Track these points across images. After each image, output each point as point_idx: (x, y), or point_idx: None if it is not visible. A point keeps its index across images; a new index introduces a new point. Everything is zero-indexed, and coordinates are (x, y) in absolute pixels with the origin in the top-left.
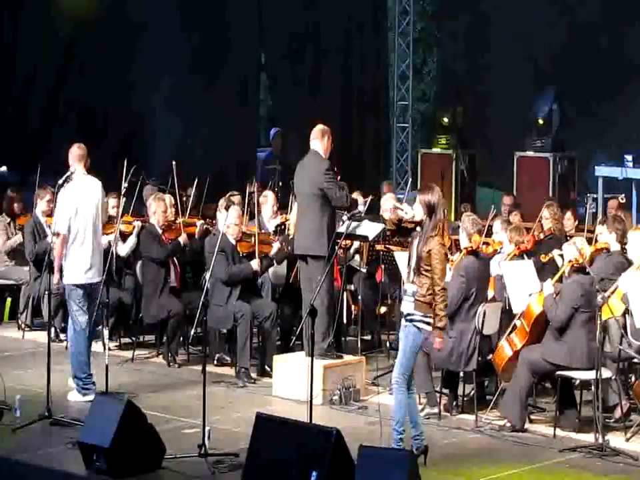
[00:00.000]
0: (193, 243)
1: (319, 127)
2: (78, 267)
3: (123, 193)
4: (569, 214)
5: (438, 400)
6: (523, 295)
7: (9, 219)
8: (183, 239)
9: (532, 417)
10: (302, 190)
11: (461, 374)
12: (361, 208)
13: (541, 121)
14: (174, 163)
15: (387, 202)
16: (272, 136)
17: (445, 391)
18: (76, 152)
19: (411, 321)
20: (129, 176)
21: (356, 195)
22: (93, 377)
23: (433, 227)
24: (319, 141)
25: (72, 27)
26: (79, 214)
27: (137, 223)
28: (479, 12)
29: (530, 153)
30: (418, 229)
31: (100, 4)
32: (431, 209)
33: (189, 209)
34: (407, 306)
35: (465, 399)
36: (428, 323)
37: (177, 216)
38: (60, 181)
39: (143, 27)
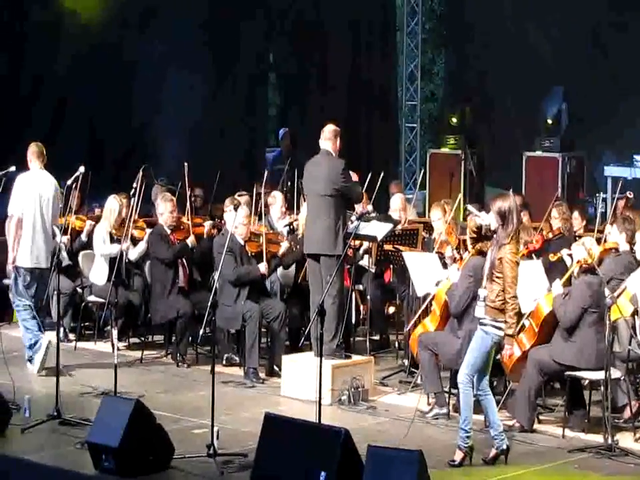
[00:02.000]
0: (201, 244)
1: (330, 127)
2: (27, 251)
3: (132, 194)
4: (577, 214)
5: (447, 400)
6: (531, 295)
7: None
8: (190, 241)
9: (541, 417)
10: (314, 190)
11: None
12: (370, 208)
13: (549, 121)
14: (186, 164)
15: (396, 201)
16: (280, 136)
17: (454, 390)
18: (34, 149)
19: (482, 324)
20: (137, 176)
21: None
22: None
23: (506, 235)
24: (330, 142)
25: (79, 26)
26: (31, 202)
27: (149, 231)
28: (487, 11)
29: (539, 153)
30: (495, 236)
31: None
32: (502, 217)
33: (196, 209)
34: (479, 310)
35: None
36: (497, 327)
37: (184, 216)
38: (69, 182)
39: (150, 26)
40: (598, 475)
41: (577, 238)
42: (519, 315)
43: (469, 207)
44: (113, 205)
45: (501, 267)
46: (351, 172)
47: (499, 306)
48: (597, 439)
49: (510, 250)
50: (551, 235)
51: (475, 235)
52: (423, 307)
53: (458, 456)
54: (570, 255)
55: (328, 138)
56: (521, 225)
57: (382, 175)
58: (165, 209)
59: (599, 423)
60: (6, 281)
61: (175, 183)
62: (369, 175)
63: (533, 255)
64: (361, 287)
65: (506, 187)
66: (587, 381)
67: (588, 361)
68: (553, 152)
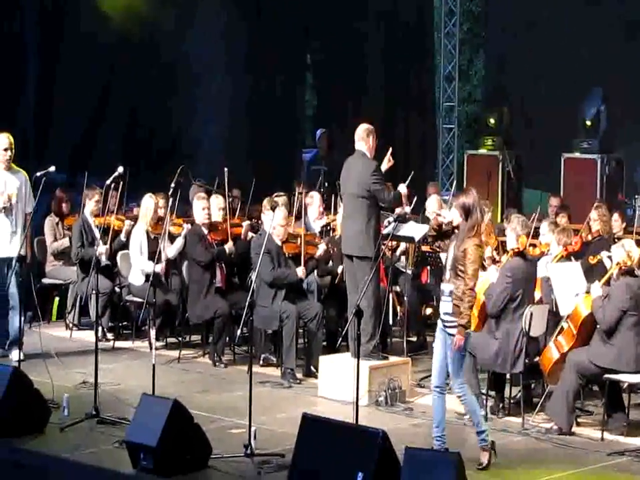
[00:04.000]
0: (238, 244)
1: (363, 126)
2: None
3: (170, 194)
4: (616, 215)
5: (484, 402)
6: (570, 297)
7: (57, 219)
8: (228, 246)
9: (579, 420)
10: (349, 191)
11: (508, 376)
12: (407, 209)
13: (588, 122)
14: (226, 170)
15: (433, 203)
16: (318, 136)
17: (492, 393)
18: None
19: (447, 326)
20: (175, 176)
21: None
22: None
23: (470, 228)
24: (363, 142)
25: (118, 31)
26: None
27: (186, 226)
28: (524, 12)
29: (577, 154)
30: (456, 231)
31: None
32: (466, 211)
33: (235, 210)
34: (444, 306)
35: (512, 401)
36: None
37: (224, 218)
38: (108, 181)
39: (189, 30)
40: (637, 478)
41: (616, 240)
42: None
43: (436, 201)
44: (149, 203)
45: (464, 259)
46: (402, 187)
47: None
48: (636, 442)
49: (473, 243)
50: (590, 237)
51: (434, 233)
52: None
53: (484, 457)
54: (609, 257)
55: (361, 137)
56: (482, 220)
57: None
58: (198, 207)
59: (638, 425)
60: (45, 280)
61: (212, 183)
62: (409, 177)
63: (572, 257)
64: (398, 289)
65: (545, 189)
66: (625, 384)
67: (627, 363)
68: (591, 153)
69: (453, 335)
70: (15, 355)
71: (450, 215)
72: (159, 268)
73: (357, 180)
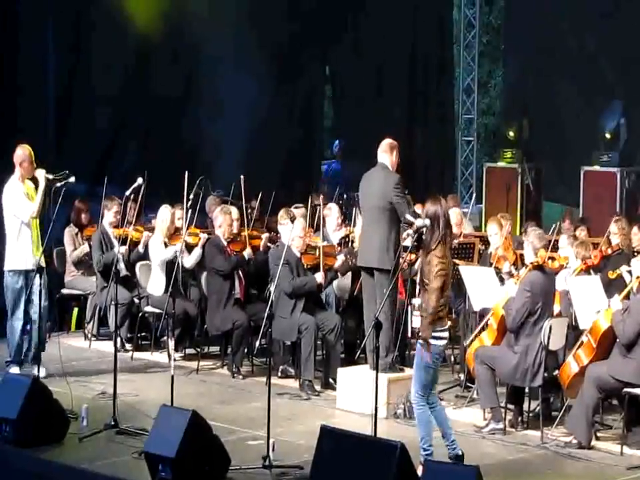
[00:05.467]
0: (257, 256)
1: (388, 141)
2: None
3: (188, 205)
4: (636, 229)
5: (503, 415)
6: (589, 311)
7: (76, 230)
8: (248, 253)
9: (598, 434)
10: (370, 203)
11: (527, 389)
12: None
13: (608, 135)
14: (242, 177)
15: (452, 216)
16: (335, 148)
17: (510, 406)
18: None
19: (419, 337)
20: (193, 188)
21: (417, 209)
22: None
23: (433, 240)
24: (387, 155)
25: (138, 41)
26: None
27: (203, 236)
28: (544, 25)
29: (597, 168)
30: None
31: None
32: (430, 221)
33: (253, 221)
34: (415, 321)
35: (531, 414)
36: (436, 338)
37: (241, 228)
38: (127, 192)
39: (206, 41)
40: None
41: (636, 254)
42: (434, 317)
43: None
44: (165, 215)
45: (429, 274)
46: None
47: (436, 315)
48: None
49: (435, 255)
50: (609, 251)
51: (416, 243)
52: (483, 322)
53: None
54: (629, 272)
55: (384, 151)
56: (450, 231)
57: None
58: (223, 221)
59: None
60: (65, 291)
61: (228, 194)
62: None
63: (591, 271)
64: (417, 301)
65: (564, 202)
66: None
67: None
68: (611, 166)
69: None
70: (12, 369)
71: (422, 222)
72: (180, 248)
73: (380, 192)
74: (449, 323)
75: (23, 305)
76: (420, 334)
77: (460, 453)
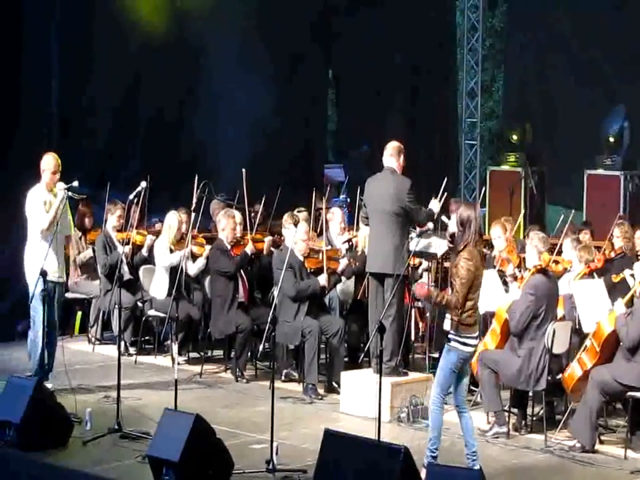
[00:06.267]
0: (261, 260)
1: (395, 144)
2: None
3: (192, 209)
4: (639, 233)
5: (507, 419)
6: (593, 314)
7: (80, 234)
8: (250, 248)
9: (602, 437)
10: (380, 207)
11: (530, 393)
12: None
13: (611, 139)
14: (244, 170)
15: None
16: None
17: (514, 410)
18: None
19: (448, 340)
20: (197, 192)
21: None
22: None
23: (462, 242)
24: (394, 159)
25: (141, 44)
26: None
27: (208, 247)
28: (546, 29)
29: (600, 171)
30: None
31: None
32: (462, 224)
33: (256, 225)
34: (446, 323)
35: (534, 418)
36: (462, 343)
37: (245, 232)
38: (131, 196)
39: (209, 44)
40: None
41: (639, 257)
42: (457, 309)
43: (442, 217)
44: (172, 220)
45: (455, 276)
46: (435, 203)
47: (464, 319)
48: None
49: (463, 257)
50: (612, 255)
51: (451, 245)
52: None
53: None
54: (632, 275)
55: (391, 154)
56: (481, 236)
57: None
58: (226, 225)
59: None
60: (68, 295)
61: (233, 198)
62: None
63: (595, 274)
64: (420, 304)
65: (567, 206)
66: None
67: None
68: (614, 170)
69: (449, 348)
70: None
71: (452, 225)
72: (186, 253)
73: (393, 197)
74: (477, 331)
75: (42, 317)
76: (449, 335)
77: (478, 467)
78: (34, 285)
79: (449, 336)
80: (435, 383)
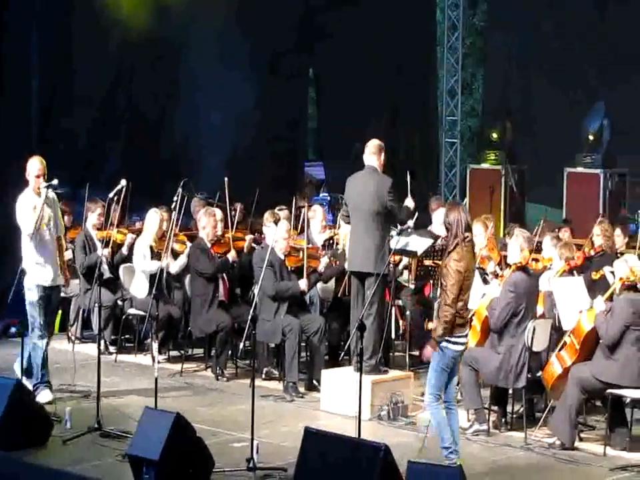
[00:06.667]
0: (242, 258)
1: (375, 142)
2: None
3: (172, 207)
4: (618, 230)
5: (487, 417)
6: (573, 312)
7: None
8: (232, 256)
9: (582, 435)
10: (360, 206)
11: (510, 391)
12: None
13: (591, 137)
14: (226, 179)
15: (441, 216)
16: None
17: (494, 407)
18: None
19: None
20: (178, 190)
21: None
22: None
23: (451, 244)
24: (375, 157)
25: (121, 42)
26: None
27: (190, 244)
28: (528, 27)
29: (580, 169)
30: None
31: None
32: (447, 227)
33: (237, 223)
34: (435, 321)
35: (514, 415)
36: (454, 342)
37: (226, 230)
38: (111, 195)
39: (190, 42)
40: None
41: (619, 255)
42: (452, 322)
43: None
44: (154, 218)
45: (445, 277)
46: (410, 201)
47: (455, 320)
48: (639, 457)
49: (452, 258)
50: (592, 252)
51: (433, 241)
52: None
53: None
54: (612, 273)
55: (372, 152)
56: (471, 236)
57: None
58: (207, 223)
59: None
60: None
61: (214, 196)
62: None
63: (574, 272)
64: (400, 303)
65: (547, 203)
66: (628, 399)
67: (630, 378)
68: (594, 168)
69: (441, 350)
70: (42, 395)
71: (434, 224)
72: (165, 263)
73: (374, 196)
74: (467, 330)
75: (39, 323)
76: (433, 332)
77: (458, 463)
78: (29, 290)
79: (432, 332)
80: (428, 384)
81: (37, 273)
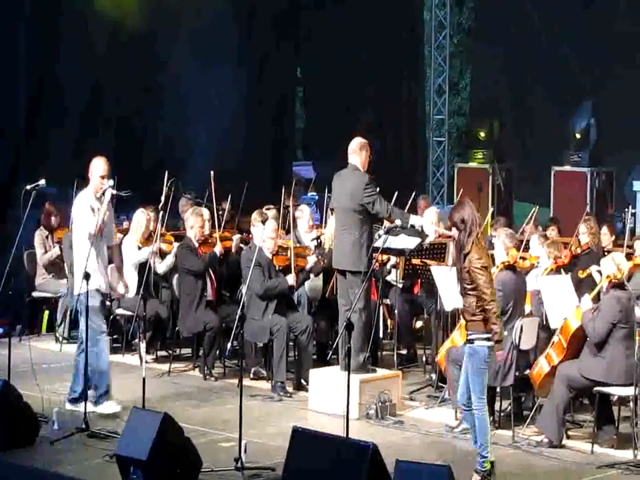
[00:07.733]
0: (229, 257)
1: (357, 140)
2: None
3: (160, 207)
4: (605, 229)
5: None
6: (560, 310)
7: (46, 233)
8: (218, 249)
9: (569, 432)
10: (341, 204)
11: (498, 389)
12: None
13: (578, 135)
14: (212, 173)
15: (431, 215)
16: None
17: None
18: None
19: (470, 342)
20: (165, 189)
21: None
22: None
23: (467, 243)
24: (357, 155)
25: (107, 41)
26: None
27: (177, 244)
28: (514, 26)
29: (567, 168)
30: (452, 248)
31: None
32: (462, 225)
33: (224, 223)
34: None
35: (502, 414)
36: (485, 339)
37: (213, 230)
38: (97, 195)
39: (178, 42)
40: None
41: (606, 253)
42: (489, 315)
43: (434, 213)
44: (140, 218)
45: (471, 277)
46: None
47: (482, 317)
48: (627, 454)
49: (474, 258)
50: (579, 250)
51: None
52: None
53: (474, 478)
54: (599, 272)
55: (354, 151)
56: (481, 230)
57: (413, 194)
58: (195, 223)
59: (628, 438)
60: (35, 293)
61: (202, 196)
62: (396, 193)
63: (562, 270)
64: (388, 302)
65: (535, 202)
66: (615, 397)
67: (617, 376)
68: (581, 166)
69: (476, 348)
70: (106, 407)
71: (453, 232)
72: (155, 248)
73: (351, 194)
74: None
75: (104, 329)
76: (493, 336)
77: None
78: (92, 297)
79: (470, 337)
80: (473, 390)
81: (96, 278)
